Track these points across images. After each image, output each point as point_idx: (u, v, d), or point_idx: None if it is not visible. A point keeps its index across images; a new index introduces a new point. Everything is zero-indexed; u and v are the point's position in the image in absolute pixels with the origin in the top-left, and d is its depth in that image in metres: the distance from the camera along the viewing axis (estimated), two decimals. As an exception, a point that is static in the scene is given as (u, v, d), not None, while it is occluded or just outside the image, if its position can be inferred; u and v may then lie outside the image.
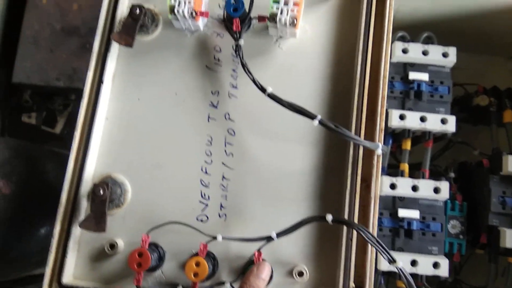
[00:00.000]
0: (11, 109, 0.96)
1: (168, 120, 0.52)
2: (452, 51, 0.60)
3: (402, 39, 0.63)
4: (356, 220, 0.47)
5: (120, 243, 0.49)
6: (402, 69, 0.61)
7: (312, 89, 0.51)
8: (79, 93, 0.56)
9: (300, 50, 0.52)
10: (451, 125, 0.58)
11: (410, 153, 0.61)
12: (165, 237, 0.48)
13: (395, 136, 0.62)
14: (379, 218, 0.56)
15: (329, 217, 0.45)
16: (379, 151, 0.47)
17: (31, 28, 0.89)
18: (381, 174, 0.56)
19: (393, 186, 0.56)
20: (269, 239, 0.45)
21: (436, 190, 0.56)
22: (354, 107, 0.49)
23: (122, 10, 0.53)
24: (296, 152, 0.50)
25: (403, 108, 0.59)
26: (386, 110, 0.58)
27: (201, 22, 0.51)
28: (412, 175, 0.59)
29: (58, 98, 0.96)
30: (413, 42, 0.61)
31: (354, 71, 0.50)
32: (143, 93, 0.52)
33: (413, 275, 0.55)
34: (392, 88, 0.60)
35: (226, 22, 0.51)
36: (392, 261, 0.43)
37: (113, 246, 0.48)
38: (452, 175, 0.63)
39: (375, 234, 0.46)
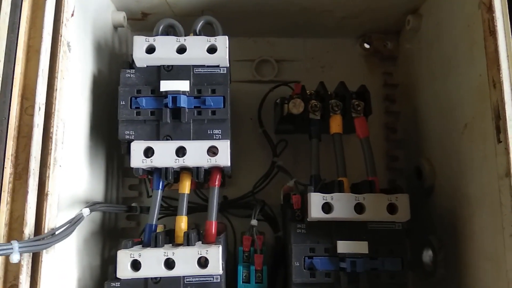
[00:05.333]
0: None
1: None
2: (221, 42, 0.40)
3: (171, 30, 0.43)
4: None
5: None
6: (155, 76, 0.40)
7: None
8: None
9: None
10: (223, 157, 0.38)
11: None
12: None
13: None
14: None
15: None
16: (14, 259, 0.27)
17: None
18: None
19: (135, 266, 0.36)
20: None
21: (203, 263, 0.36)
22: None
23: None
24: None
25: (158, 136, 0.39)
26: (130, 144, 0.38)
27: None
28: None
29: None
30: (170, 35, 0.41)
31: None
32: None
33: None
34: (138, 107, 0.39)
35: None
36: None
37: None
38: (254, 222, 0.43)
39: None
